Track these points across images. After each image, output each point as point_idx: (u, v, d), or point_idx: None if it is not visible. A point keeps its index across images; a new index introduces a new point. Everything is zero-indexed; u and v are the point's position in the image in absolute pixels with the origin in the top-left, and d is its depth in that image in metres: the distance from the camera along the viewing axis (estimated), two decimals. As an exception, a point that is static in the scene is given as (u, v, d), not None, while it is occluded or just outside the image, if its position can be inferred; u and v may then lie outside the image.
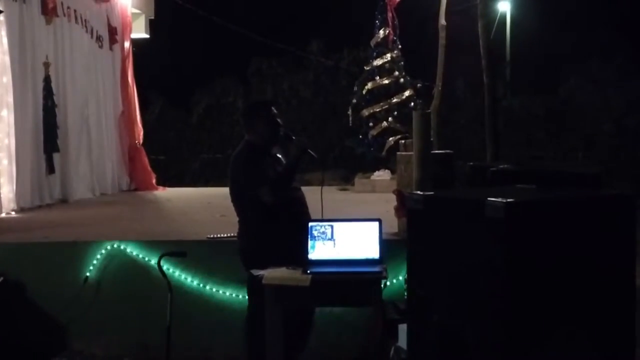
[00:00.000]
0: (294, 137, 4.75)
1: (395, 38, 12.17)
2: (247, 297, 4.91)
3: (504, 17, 23.63)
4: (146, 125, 13.21)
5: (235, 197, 4.77)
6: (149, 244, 5.69)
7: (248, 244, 4.76)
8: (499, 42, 21.32)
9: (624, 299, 3.35)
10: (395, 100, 11.92)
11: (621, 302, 3.34)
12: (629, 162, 17.56)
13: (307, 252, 4.39)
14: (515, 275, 3.00)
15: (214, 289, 5.55)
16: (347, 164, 17.35)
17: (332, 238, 4.42)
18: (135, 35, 12.67)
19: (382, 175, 11.45)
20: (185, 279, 5.55)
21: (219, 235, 5.81)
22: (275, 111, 4.82)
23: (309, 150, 4.69)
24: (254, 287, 4.46)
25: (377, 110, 11.96)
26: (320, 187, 4.90)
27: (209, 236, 5.85)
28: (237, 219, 4.84)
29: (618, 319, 3.33)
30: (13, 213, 8.06)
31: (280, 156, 4.80)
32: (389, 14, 12.03)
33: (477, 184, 4.52)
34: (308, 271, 4.26)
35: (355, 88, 12.76)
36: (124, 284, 5.65)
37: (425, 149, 5.70)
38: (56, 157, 9.43)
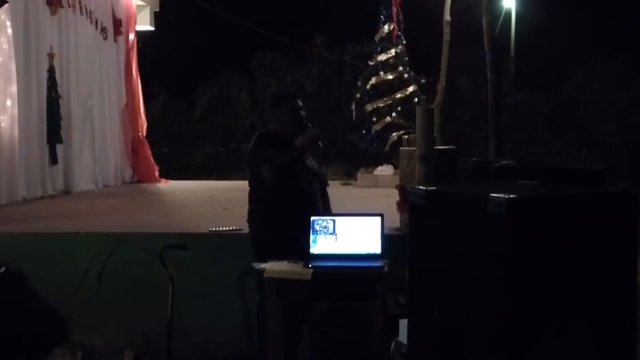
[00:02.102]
0: (309, 126, 4.88)
1: (399, 33, 12.16)
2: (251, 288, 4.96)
3: (509, 13, 23.59)
4: (150, 118, 13.21)
5: (248, 179, 4.92)
6: (151, 236, 5.69)
7: (251, 229, 4.87)
8: (503, 38, 21.28)
9: (625, 296, 3.34)
10: (399, 95, 11.93)
11: (622, 299, 3.33)
12: (632, 160, 17.52)
13: (308, 246, 4.40)
14: (516, 271, 3.00)
15: (215, 281, 5.55)
16: (350, 158, 17.30)
17: (334, 232, 4.42)
18: (140, 27, 12.66)
19: (384, 170, 11.46)
20: (187, 271, 5.55)
21: (221, 229, 5.81)
22: (299, 103, 4.98)
23: (318, 142, 4.83)
24: (260, 279, 4.49)
25: (381, 105, 11.97)
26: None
27: (211, 229, 5.86)
28: (238, 212, 4.88)
29: (619, 315, 3.32)
30: (16, 204, 8.06)
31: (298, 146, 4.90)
32: (394, 9, 12.02)
33: (480, 179, 4.51)
34: (309, 265, 4.27)
35: (359, 83, 12.77)
36: (126, 276, 5.66)
37: (428, 144, 5.71)
38: (59, 148, 9.43)
